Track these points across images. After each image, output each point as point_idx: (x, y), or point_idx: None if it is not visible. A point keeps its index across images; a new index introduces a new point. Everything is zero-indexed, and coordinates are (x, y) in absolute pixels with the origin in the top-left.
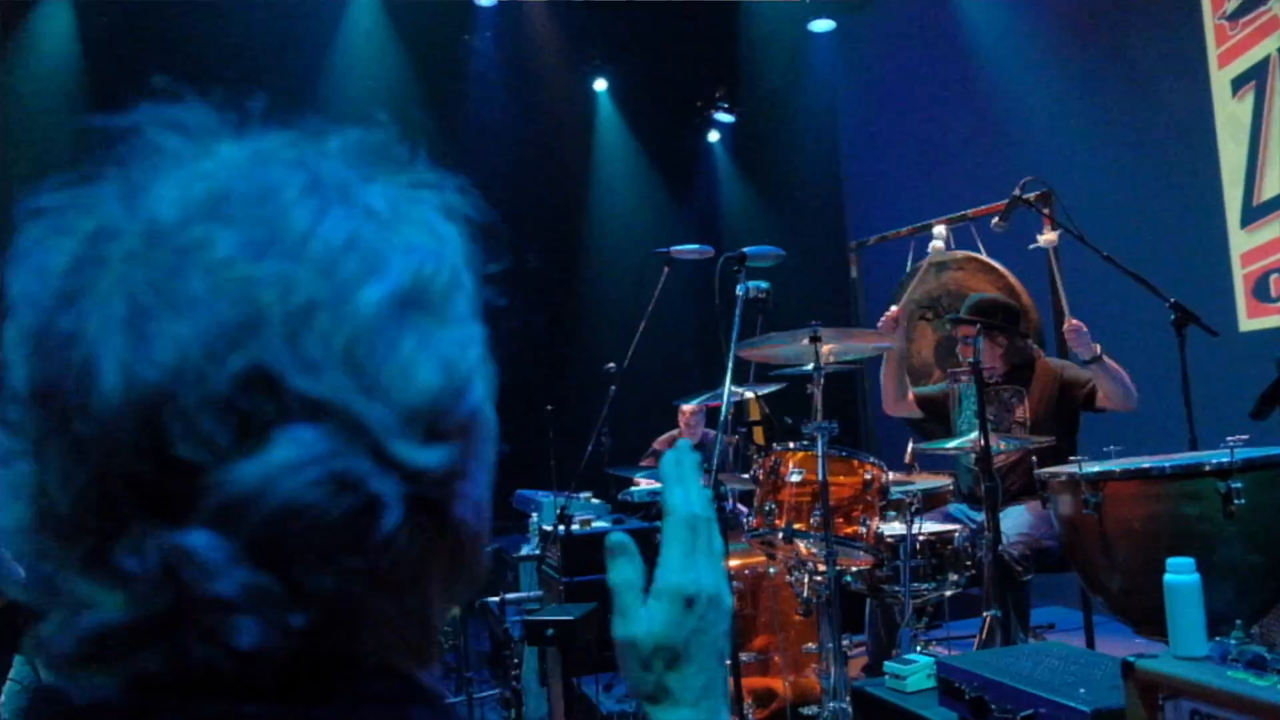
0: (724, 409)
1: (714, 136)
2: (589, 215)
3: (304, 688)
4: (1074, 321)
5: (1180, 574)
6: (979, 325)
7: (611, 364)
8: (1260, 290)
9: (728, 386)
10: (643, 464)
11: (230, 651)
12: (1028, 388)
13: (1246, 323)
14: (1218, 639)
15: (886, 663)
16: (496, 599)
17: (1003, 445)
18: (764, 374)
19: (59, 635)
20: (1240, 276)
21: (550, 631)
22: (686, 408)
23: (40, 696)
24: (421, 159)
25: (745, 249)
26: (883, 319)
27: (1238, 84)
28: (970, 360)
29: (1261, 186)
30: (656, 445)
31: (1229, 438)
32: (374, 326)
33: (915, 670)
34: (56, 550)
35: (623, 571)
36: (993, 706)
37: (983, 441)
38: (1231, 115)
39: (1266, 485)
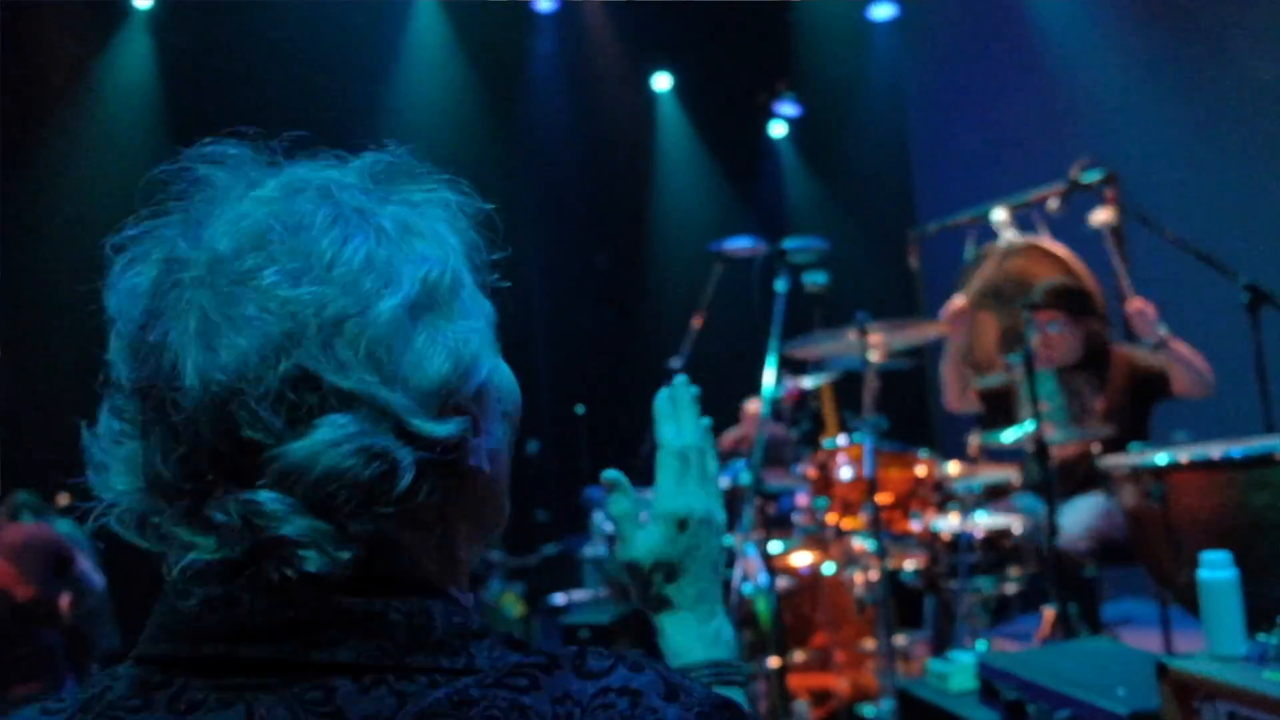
0: (764, 407)
1: (778, 130)
2: (654, 214)
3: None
4: (1138, 302)
5: (1216, 569)
6: (1062, 311)
7: (676, 360)
8: None
9: (768, 384)
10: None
11: (301, 575)
12: (1102, 376)
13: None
14: (1258, 636)
15: (930, 661)
16: (564, 598)
17: (1059, 436)
18: (824, 364)
19: (171, 572)
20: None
21: (585, 634)
22: (750, 406)
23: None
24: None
25: (784, 243)
26: (947, 311)
27: None
28: (1024, 350)
29: None
30: (720, 444)
31: None
32: (391, 330)
33: (958, 670)
34: (163, 507)
35: (619, 504)
36: (1030, 708)
37: (1039, 433)
38: None
39: None
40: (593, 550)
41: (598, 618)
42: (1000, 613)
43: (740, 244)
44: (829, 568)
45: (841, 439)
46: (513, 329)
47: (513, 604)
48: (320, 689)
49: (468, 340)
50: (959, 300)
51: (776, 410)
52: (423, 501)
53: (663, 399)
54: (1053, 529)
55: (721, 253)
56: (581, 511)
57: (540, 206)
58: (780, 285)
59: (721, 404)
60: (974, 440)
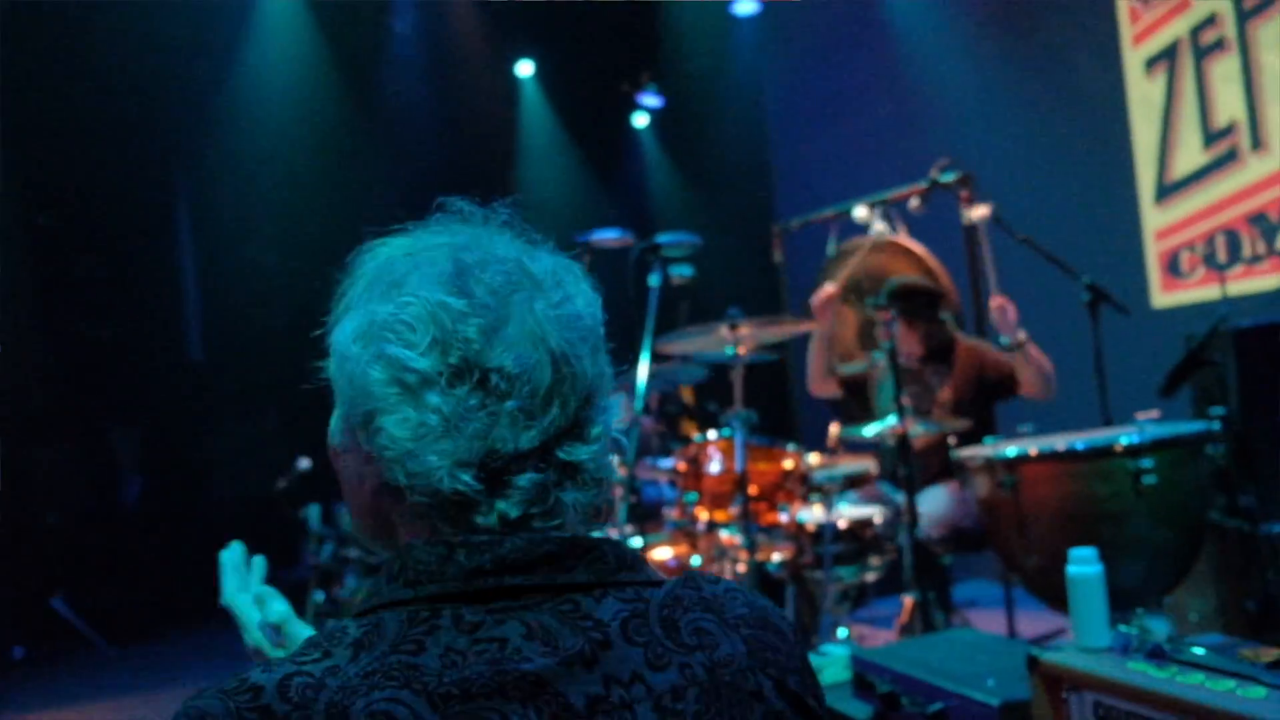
0: (637, 403)
1: (640, 121)
2: (515, 201)
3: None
4: (1000, 300)
5: (1082, 565)
6: (895, 311)
7: None
8: (1173, 267)
9: (641, 380)
10: None
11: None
12: (950, 369)
13: (1160, 298)
14: (1120, 627)
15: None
16: None
17: (919, 430)
18: (690, 359)
19: (447, 530)
20: (1154, 253)
21: None
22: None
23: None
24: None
25: (659, 238)
26: (817, 297)
27: (1150, 64)
28: (886, 345)
29: (1173, 164)
30: None
31: (1138, 414)
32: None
33: (831, 663)
34: (503, 469)
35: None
36: (904, 700)
37: (901, 428)
38: (1144, 95)
39: (1174, 463)
40: None
41: None
42: (858, 599)
43: (608, 235)
44: (695, 561)
45: (711, 433)
46: None
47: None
48: (569, 602)
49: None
50: (830, 287)
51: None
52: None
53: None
54: (914, 519)
55: (589, 244)
56: None
57: (398, 191)
58: (654, 279)
59: None
60: (833, 431)
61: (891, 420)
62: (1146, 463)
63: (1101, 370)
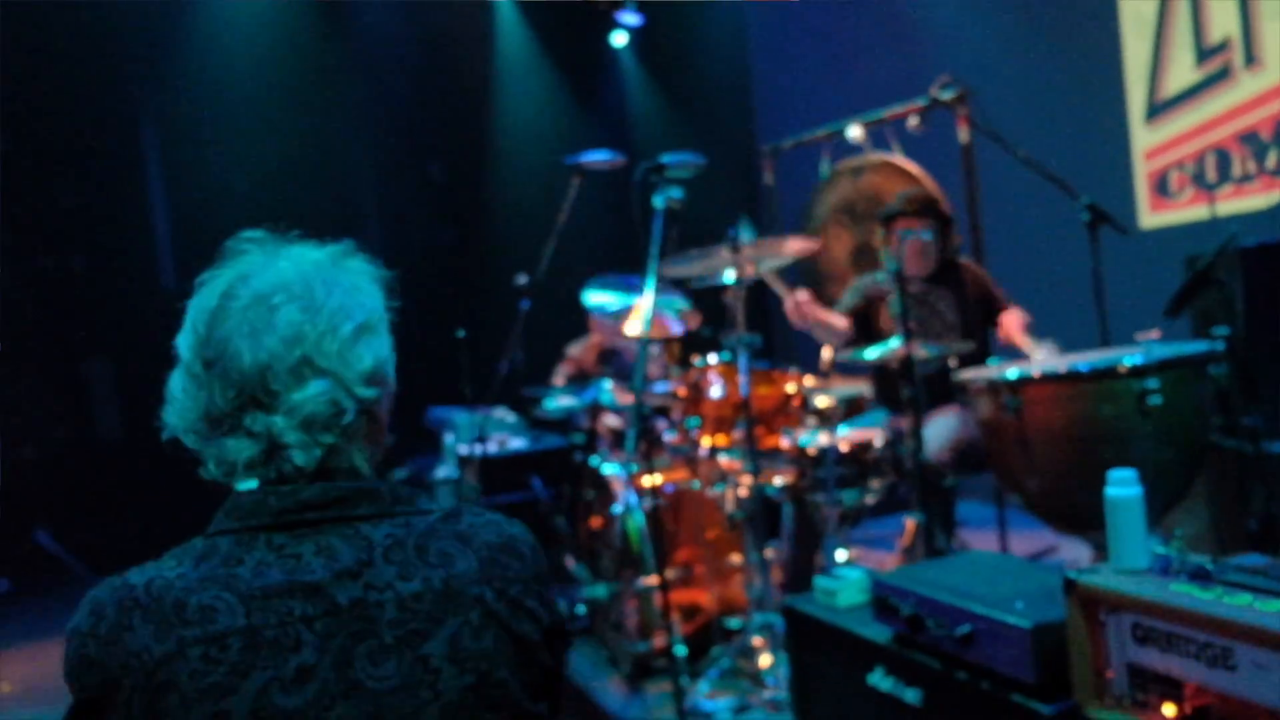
0: (645, 323)
1: (620, 40)
2: (494, 125)
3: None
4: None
5: (1122, 486)
6: (927, 219)
7: (523, 276)
8: (1161, 187)
9: (651, 301)
10: (559, 371)
11: (294, 466)
12: (955, 291)
13: (1148, 218)
14: (1158, 550)
15: (816, 578)
16: None
17: (924, 353)
18: (678, 283)
19: (218, 467)
20: (1143, 173)
21: None
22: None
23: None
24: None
25: (663, 157)
26: (791, 307)
27: None
28: (892, 263)
29: (1164, 82)
30: (571, 352)
31: (1138, 335)
32: (349, 341)
33: (846, 586)
34: (214, 428)
35: None
36: (929, 623)
37: (906, 350)
38: (1136, 11)
39: (1179, 383)
40: (445, 471)
41: None
42: (855, 521)
43: (598, 157)
44: (695, 485)
45: (712, 357)
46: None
47: None
48: (351, 528)
49: (383, 348)
50: (801, 294)
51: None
52: (355, 429)
53: None
54: (919, 443)
55: (580, 165)
56: (428, 432)
57: (372, 116)
58: (658, 201)
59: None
60: (826, 354)
61: (895, 342)
62: (1152, 383)
63: (1100, 292)
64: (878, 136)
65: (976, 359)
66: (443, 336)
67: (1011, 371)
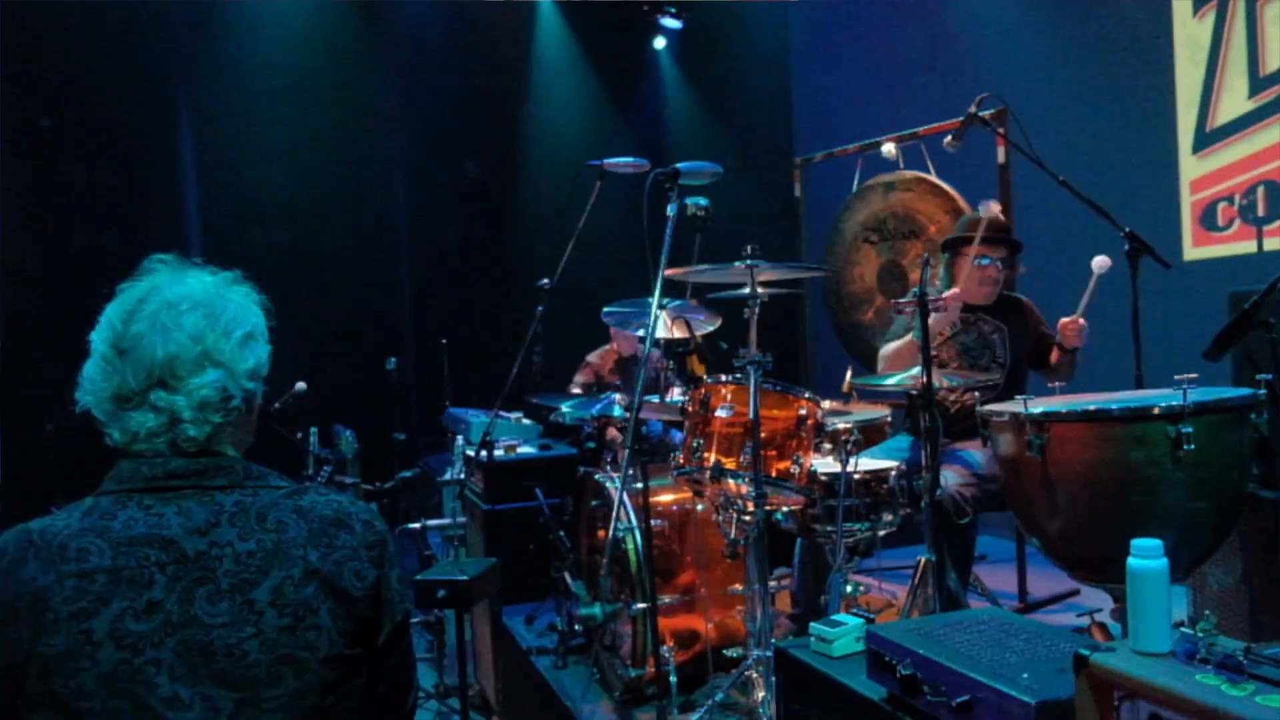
0: (649, 336)
1: (660, 43)
2: (530, 125)
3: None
4: (1082, 321)
5: (1145, 557)
6: (1003, 247)
7: (545, 279)
8: (1208, 219)
9: (654, 312)
10: (577, 379)
11: (187, 438)
12: (1012, 324)
13: (1191, 251)
14: (1184, 631)
15: (812, 624)
16: (418, 524)
17: (944, 382)
18: (702, 294)
19: (121, 435)
20: (1188, 204)
21: (441, 593)
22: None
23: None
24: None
25: (679, 164)
26: (949, 294)
27: (1199, 3)
28: (918, 290)
29: (1216, 111)
30: (591, 359)
31: (1177, 376)
32: (239, 343)
33: (843, 634)
34: (122, 404)
35: None
36: (925, 687)
37: (924, 378)
38: (1191, 36)
39: (1216, 429)
40: (453, 474)
41: (455, 574)
42: (866, 551)
43: (623, 161)
44: (700, 507)
45: (723, 375)
46: (375, 240)
47: None
48: (208, 495)
49: (263, 354)
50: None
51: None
52: (237, 415)
53: None
54: (936, 480)
55: (601, 167)
56: (443, 433)
57: (407, 113)
58: (671, 209)
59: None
60: (849, 377)
61: (915, 370)
62: (1187, 429)
63: (1138, 329)
64: (912, 154)
65: (1007, 395)
66: (470, 335)
67: (1037, 407)
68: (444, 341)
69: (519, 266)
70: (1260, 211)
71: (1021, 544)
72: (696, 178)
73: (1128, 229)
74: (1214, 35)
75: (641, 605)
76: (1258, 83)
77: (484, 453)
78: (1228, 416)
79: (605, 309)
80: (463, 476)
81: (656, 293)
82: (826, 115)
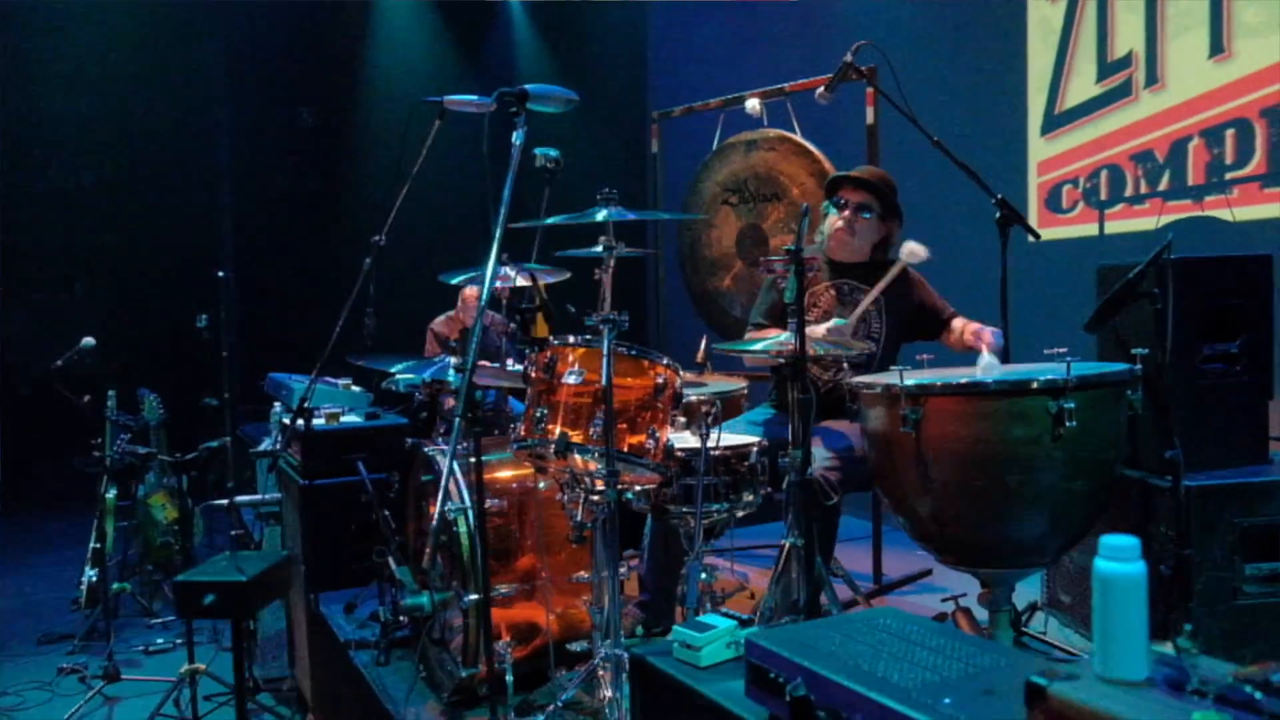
0: (484, 291)
1: None
2: (370, 74)
3: None
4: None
5: (1118, 559)
6: (877, 198)
7: (379, 236)
8: (1052, 201)
9: (492, 263)
10: (427, 345)
11: None
12: (886, 295)
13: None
14: (1168, 649)
15: (676, 628)
16: (225, 501)
17: (815, 350)
18: (548, 253)
19: None
20: (1035, 186)
21: (210, 598)
22: (469, 291)
23: None
24: None
25: (528, 85)
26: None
27: None
28: (786, 250)
29: (1065, 94)
30: (435, 328)
31: (1047, 350)
32: None
33: (712, 639)
34: None
35: None
36: (821, 713)
37: (796, 345)
38: (1044, 18)
39: (1097, 406)
40: (267, 443)
41: (228, 574)
42: (719, 531)
43: (465, 98)
44: (543, 485)
45: (571, 337)
46: (194, 189)
47: (163, 505)
48: None
49: None
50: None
51: (494, 297)
52: None
53: None
54: (807, 458)
55: (442, 104)
56: (266, 400)
57: (233, 57)
58: (517, 137)
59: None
60: (704, 346)
61: (784, 336)
62: (1069, 404)
63: (1005, 301)
64: (777, 112)
65: (880, 369)
66: (300, 295)
67: (912, 380)
68: (270, 301)
69: (357, 220)
70: (1103, 195)
71: (879, 523)
72: (548, 102)
73: (1000, 195)
74: (1066, 18)
75: (474, 597)
76: (1106, 67)
77: (301, 421)
78: (1107, 393)
79: (443, 275)
80: (278, 447)
81: (497, 237)
82: (688, 69)
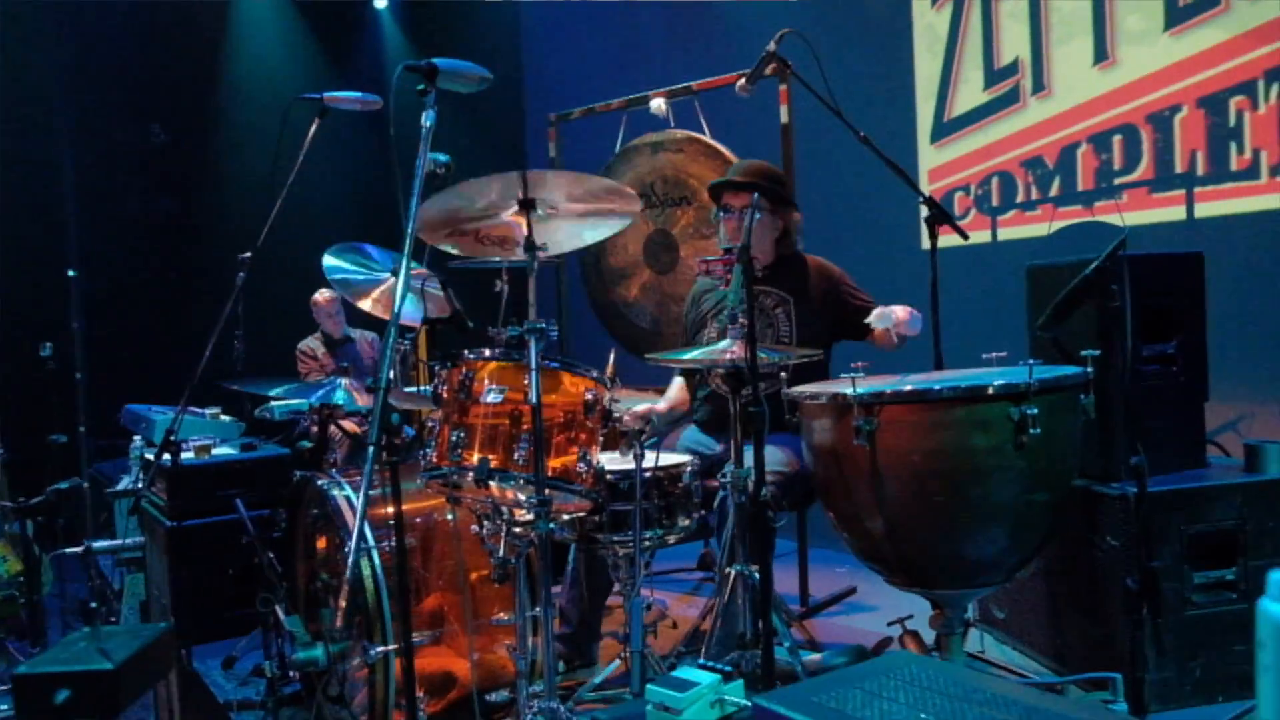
0: (398, 297)
1: (380, 2)
2: (228, 89)
3: None
4: (909, 313)
5: None
6: (763, 195)
7: (247, 253)
8: (945, 208)
9: (405, 267)
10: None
11: None
12: (794, 293)
13: (927, 240)
14: None
15: (651, 686)
16: (80, 548)
17: (764, 356)
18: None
19: None
20: (926, 193)
21: (63, 695)
22: (321, 295)
23: None
24: None
25: (437, 59)
26: (630, 416)
27: None
28: (725, 249)
29: (953, 102)
30: (305, 348)
31: (985, 355)
32: None
33: (694, 699)
34: None
35: None
36: None
37: (747, 352)
38: (929, 25)
39: (1057, 411)
40: (129, 482)
41: (90, 661)
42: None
43: (349, 95)
44: (450, 516)
45: (485, 350)
46: (33, 213)
47: (2, 557)
48: None
49: None
50: (641, 408)
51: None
52: None
53: None
54: (762, 479)
55: (322, 101)
56: (123, 434)
57: (76, 74)
58: (427, 118)
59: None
60: (611, 360)
61: (726, 343)
62: (1031, 410)
63: (936, 301)
64: (685, 112)
65: (815, 376)
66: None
67: (863, 388)
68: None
69: (217, 241)
70: (994, 202)
71: (804, 540)
72: (460, 80)
73: (927, 194)
74: (951, 26)
75: (382, 649)
76: (993, 75)
77: (167, 456)
78: (1067, 397)
79: (327, 264)
80: (140, 485)
81: (409, 236)
82: (579, 71)
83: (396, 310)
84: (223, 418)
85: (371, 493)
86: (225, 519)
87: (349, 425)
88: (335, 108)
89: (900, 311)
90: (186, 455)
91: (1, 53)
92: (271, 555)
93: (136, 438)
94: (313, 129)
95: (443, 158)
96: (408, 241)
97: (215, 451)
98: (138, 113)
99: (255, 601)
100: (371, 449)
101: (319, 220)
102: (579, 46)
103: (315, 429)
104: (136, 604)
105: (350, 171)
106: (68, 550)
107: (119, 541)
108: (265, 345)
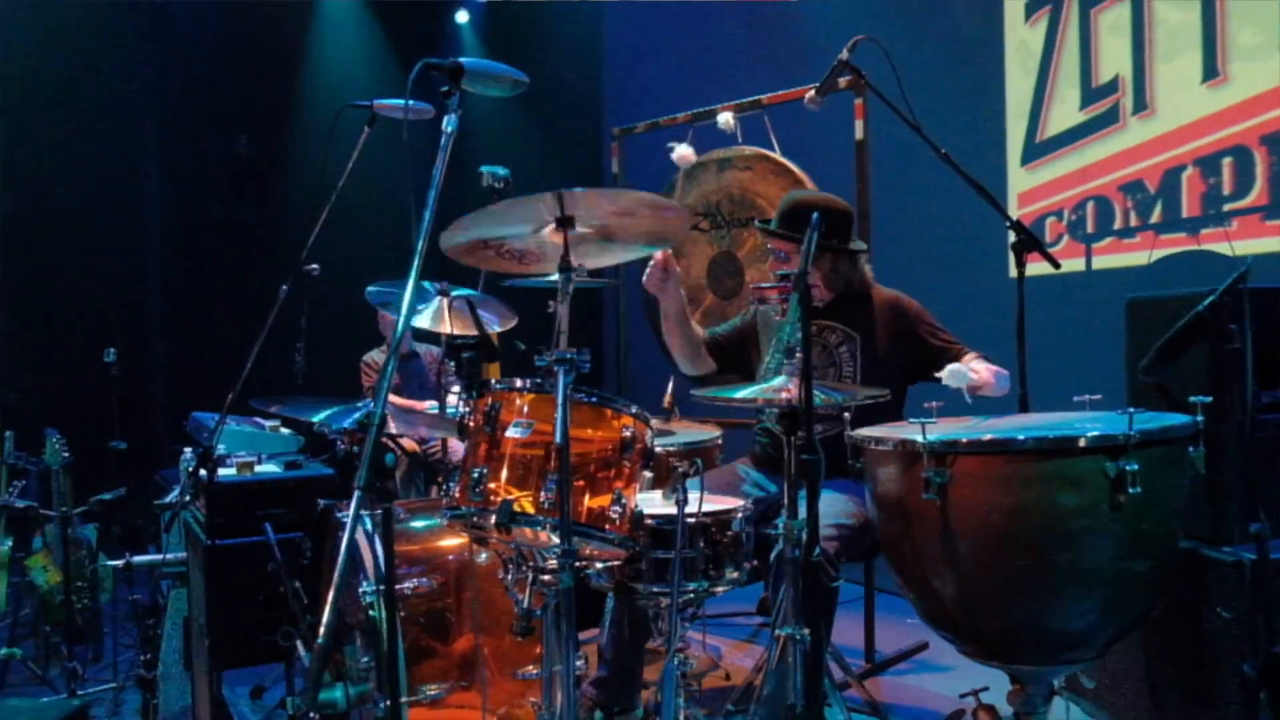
0: (401, 320)
1: (462, 18)
2: (309, 99)
3: None
4: (994, 374)
5: None
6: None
7: (315, 265)
8: (1035, 234)
9: (411, 284)
10: (365, 384)
11: None
12: (860, 328)
13: (1015, 269)
14: None
15: None
16: (120, 562)
17: (822, 397)
18: (495, 283)
19: None
20: (1016, 218)
21: None
22: (390, 315)
23: None
24: None
25: (464, 59)
26: (649, 275)
27: (1031, 9)
28: (780, 275)
29: (1047, 122)
30: (369, 360)
31: (1077, 398)
32: None
33: None
34: None
35: None
36: None
37: (803, 391)
38: (1022, 41)
39: (1161, 467)
40: (174, 495)
41: None
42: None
43: (396, 102)
44: (483, 557)
45: (519, 380)
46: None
47: (42, 567)
48: None
49: None
50: (658, 255)
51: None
52: None
53: None
54: (815, 535)
55: (372, 109)
56: (185, 441)
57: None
58: (449, 123)
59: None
60: (669, 390)
61: (780, 380)
62: (1132, 465)
63: (1022, 335)
64: (754, 127)
65: (884, 417)
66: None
67: (937, 435)
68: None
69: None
70: (1089, 229)
71: (870, 586)
72: (489, 82)
73: (1015, 218)
74: (1046, 41)
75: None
76: (1090, 93)
77: (205, 471)
78: (1172, 450)
79: (370, 287)
80: (187, 499)
81: (419, 249)
82: (647, 85)
83: (398, 336)
84: (283, 430)
85: (414, 526)
86: (260, 540)
87: (408, 444)
88: (385, 115)
89: (982, 371)
90: (227, 471)
91: (88, 61)
92: (298, 585)
93: (187, 449)
94: (362, 137)
95: (502, 171)
96: (416, 260)
97: (258, 468)
98: (221, 122)
99: (279, 632)
100: (357, 493)
101: (378, 228)
102: (654, 57)
103: (345, 447)
104: (180, 620)
105: (421, 186)
106: (110, 563)
107: (159, 556)
108: (329, 358)
